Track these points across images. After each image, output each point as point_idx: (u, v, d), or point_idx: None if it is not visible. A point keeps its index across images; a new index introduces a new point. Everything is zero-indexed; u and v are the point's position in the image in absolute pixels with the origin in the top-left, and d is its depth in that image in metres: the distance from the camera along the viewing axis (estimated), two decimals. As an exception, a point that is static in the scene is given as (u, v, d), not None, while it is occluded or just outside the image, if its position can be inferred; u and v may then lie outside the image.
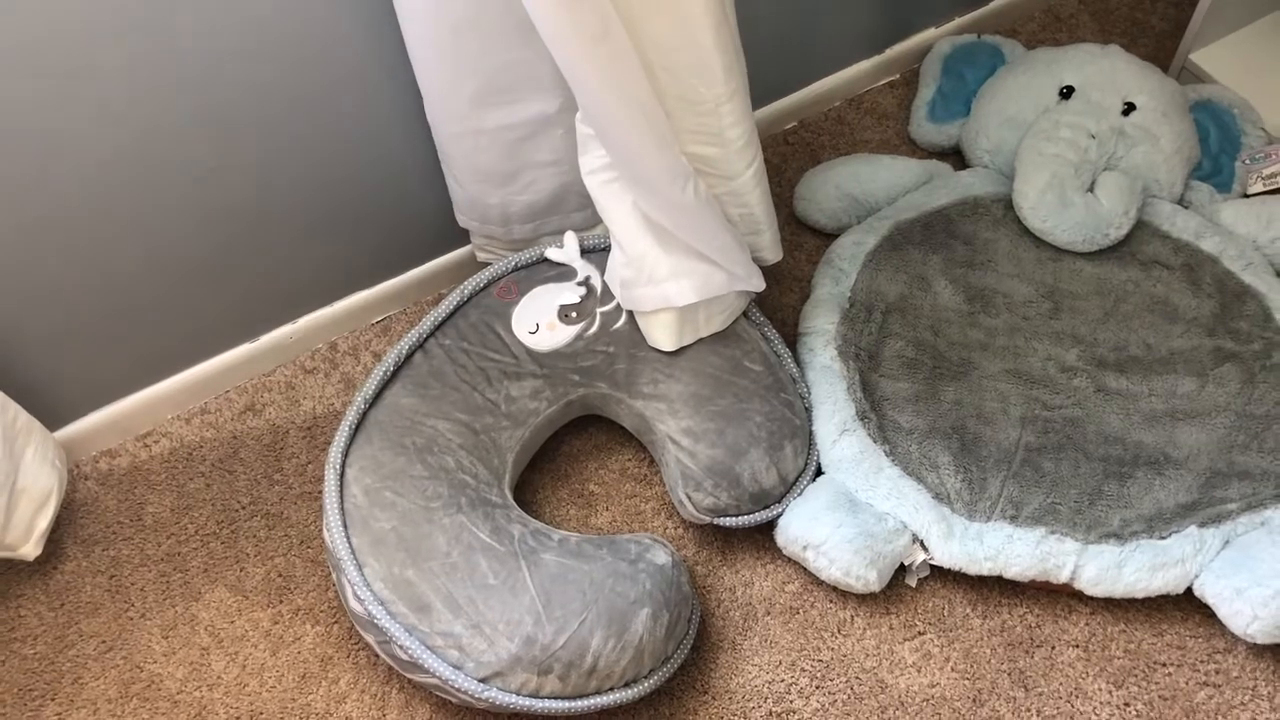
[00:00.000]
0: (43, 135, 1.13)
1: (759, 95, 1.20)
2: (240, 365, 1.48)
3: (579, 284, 1.38)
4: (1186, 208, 1.51)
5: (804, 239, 1.60)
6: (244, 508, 1.40)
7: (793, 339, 1.43)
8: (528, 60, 1.24)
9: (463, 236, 1.53)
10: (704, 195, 1.22)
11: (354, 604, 1.18)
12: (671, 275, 1.27)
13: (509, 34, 1.20)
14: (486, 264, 1.53)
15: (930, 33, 1.76)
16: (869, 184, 1.56)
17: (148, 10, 1.09)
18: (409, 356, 1.33)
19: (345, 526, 1.20)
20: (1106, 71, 1.53)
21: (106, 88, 1.12)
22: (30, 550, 1.29)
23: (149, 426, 1.47)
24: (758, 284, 1.34)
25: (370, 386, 1.29)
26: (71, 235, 1.23)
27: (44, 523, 1.30)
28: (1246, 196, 1.54)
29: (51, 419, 1.38)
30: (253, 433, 1.46)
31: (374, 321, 1.56)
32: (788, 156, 1.70)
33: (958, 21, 1.77)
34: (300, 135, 1.29)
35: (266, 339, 1.48)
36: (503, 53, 1.23)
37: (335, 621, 1.31)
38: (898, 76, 1.78)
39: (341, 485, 1.23)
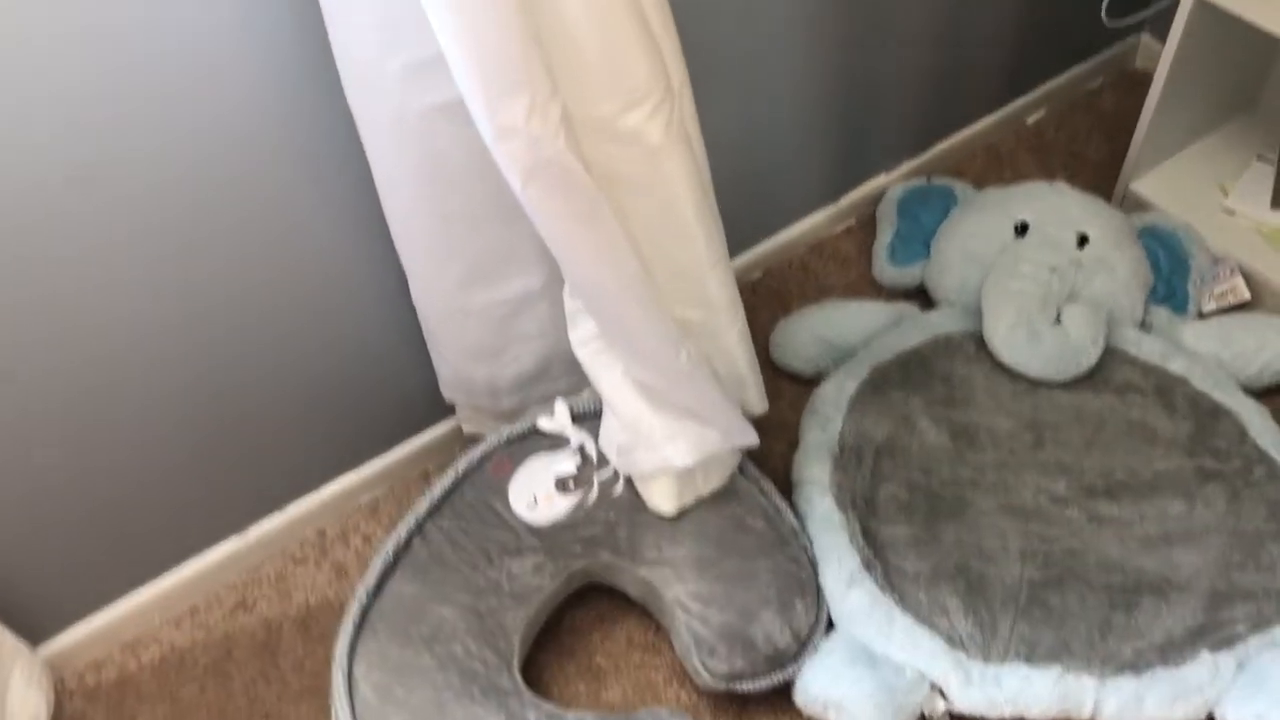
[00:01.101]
0: (27, 340, 1.11)
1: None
2: (228, 561, 1.44)
3: (574, 452, 1.37)
4: (1148, 332, 1.57)
5: (783, 386, 1.62)
6: (241, 710, 1.34)
7: (785, 487, 1.44)
8: (512, 239, 1.26)
9: (447, 410, 1.53)
10: (696, 358, 1.24)
11: (370, 811, 1.13)
12: (668, 438, 1.27)
13: (494, 217, 1.22)
14: (473, 435, 1.52)
15: (881, 179, 1.83)
16: (841, 328, 1.60)
17: (131, 216, 1.10)
18: (408, 542, 1.31)
19: (356, 729, 1.16)
20: (1057, 206, 1.60)
21: (93, 290, 1.12)
22: (17, 781, 1.23)
23: (136, 633, 1.42)
24: (751, 439, 1.35)
25: (370, 578, 1.26)
26: (50, 439, 1.20)
27: (31, 749, 1.24)
28: (1202, 316, 1.60)
29: (33, 634, 1.32)
30: (245, 631, 1.41)
31: (361, 502, 1.54)
32: (757, 306, 1.73)
33: (905, 166, 1.85)
34: (285, 324, 1.29)
35: (254, 531, 1.45)
36: (488, 234, 1.25)
37: (346, 828, 1.25)
38: (854, 222, 1.84)
39: (350, 685, 1.19)
